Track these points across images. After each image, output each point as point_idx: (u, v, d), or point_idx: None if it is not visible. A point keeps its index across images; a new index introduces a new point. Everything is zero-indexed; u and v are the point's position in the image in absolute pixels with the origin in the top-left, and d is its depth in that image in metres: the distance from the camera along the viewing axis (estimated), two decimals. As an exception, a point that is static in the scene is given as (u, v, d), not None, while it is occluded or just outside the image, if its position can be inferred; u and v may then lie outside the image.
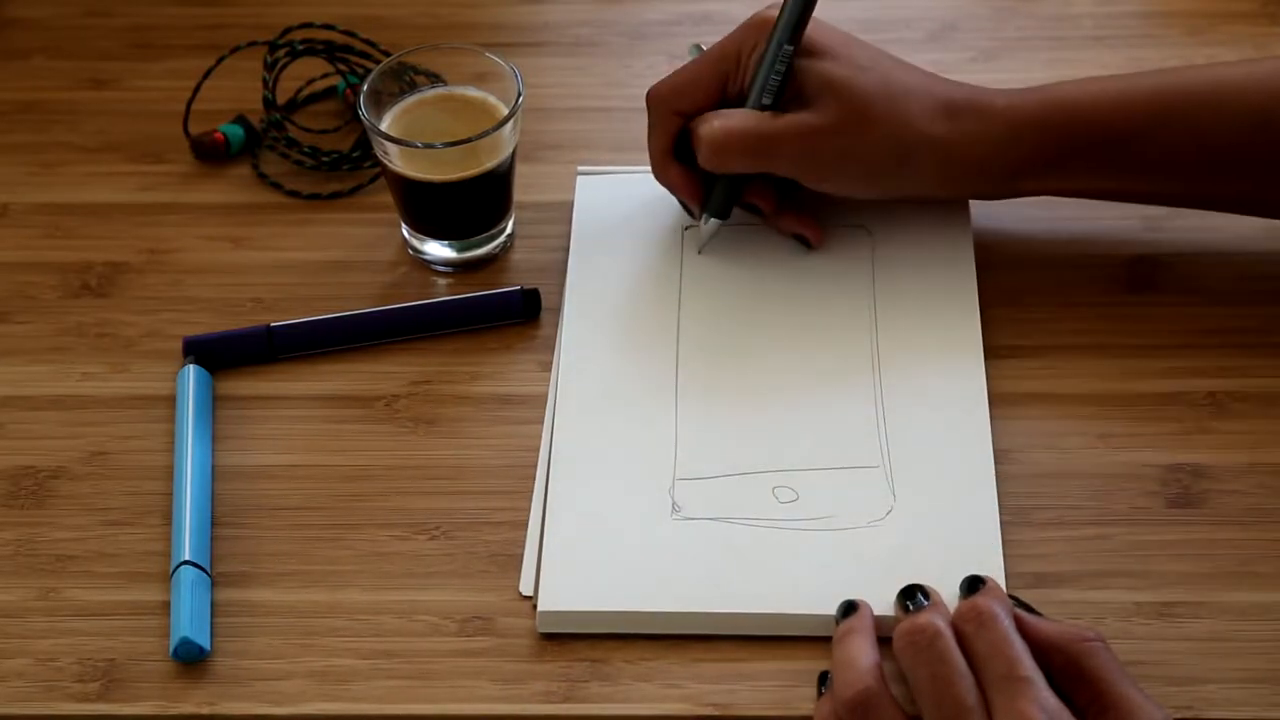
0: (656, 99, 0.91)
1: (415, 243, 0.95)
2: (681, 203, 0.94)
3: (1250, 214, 0.91)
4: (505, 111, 0.93)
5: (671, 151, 0.91)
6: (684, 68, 0.91)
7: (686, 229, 0.95)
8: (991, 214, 0.94)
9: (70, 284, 0.95)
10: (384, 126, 0.93)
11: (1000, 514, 0.82)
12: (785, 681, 0.78)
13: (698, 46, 0.93)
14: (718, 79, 0.90)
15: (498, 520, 0.84)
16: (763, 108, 0.88)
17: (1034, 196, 0.91)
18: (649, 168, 0.97)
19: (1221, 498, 0.84)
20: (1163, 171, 0.88)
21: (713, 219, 0.92)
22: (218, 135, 1.01)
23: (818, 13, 0.89)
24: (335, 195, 0.99)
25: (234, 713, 0.78)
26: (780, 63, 0.87)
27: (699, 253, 0.93)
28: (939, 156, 0.88)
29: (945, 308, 0.91)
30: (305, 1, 1.08)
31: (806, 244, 0.93)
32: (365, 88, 0.92)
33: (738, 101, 0.90)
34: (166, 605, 0.81)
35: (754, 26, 0.89)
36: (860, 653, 0.75)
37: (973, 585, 0.77)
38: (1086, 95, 0.88)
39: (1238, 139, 0.86)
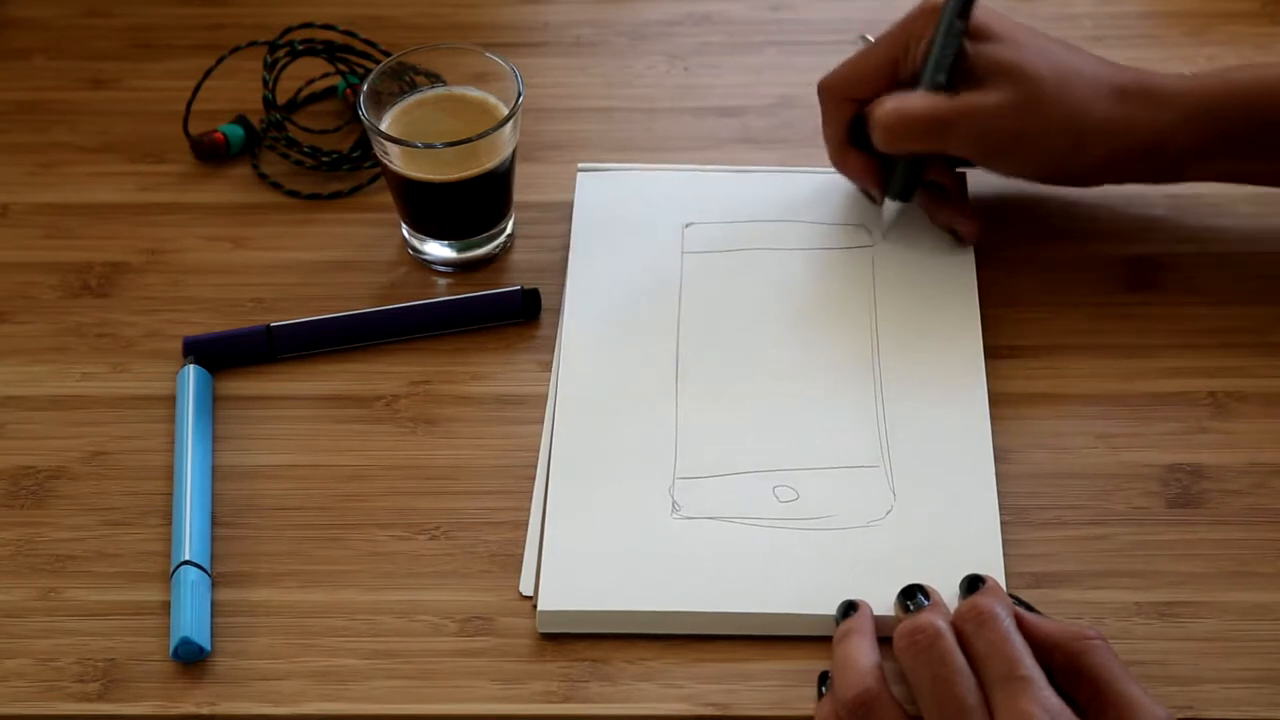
0: (827, 88, 0.92)
1: (415, 243, 0.95)
2: (863, 190, 0.94)
3: None
4: (505, 111, 0.92)
5: (848, 139, 0.92)
6: (853, 57, 0.92)
7: (687, 226, 0.95)
8: (992, 214, 0.94)
9: (70, 284, 0.95)
10: (384, 126, 0.93)
11: (1000, 514, 0.83)
12: (785, 681, 0.78)
13: (864, 38, 0.94)
14: (889, 65, 0.90)
15: (498, 520, 0.84)
16: (937, 86, 0.88)
17: (1202, 181, 0.91)
18: (649, 166, 0.97)
19: (1221, 498, 0.84)
20: None
21: (895, 201, 0.92)
22: (218, 135, 1.01)
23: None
24: (335, 195, 0.99)
25: (234, 713, 0.78)
26: (952, 39, 0.88)
27: (883, 237, 0.93)
28: (1110, 141, 0.88)
29: (945, 308, 0.91)
30: (305, 1, 1.08)
31: (960, 239, 0.93)
32: (365, 88, 0.92)
33: (910, 87, 0.89)
34: (166, 605, 0.81)
35: (923, 13, 0.89)
36: (860, 653, 0.75)
37: (973, 585, 0.77)
38: (1259, 80, 0.88)
39: None
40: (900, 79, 0.90)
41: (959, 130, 0.88)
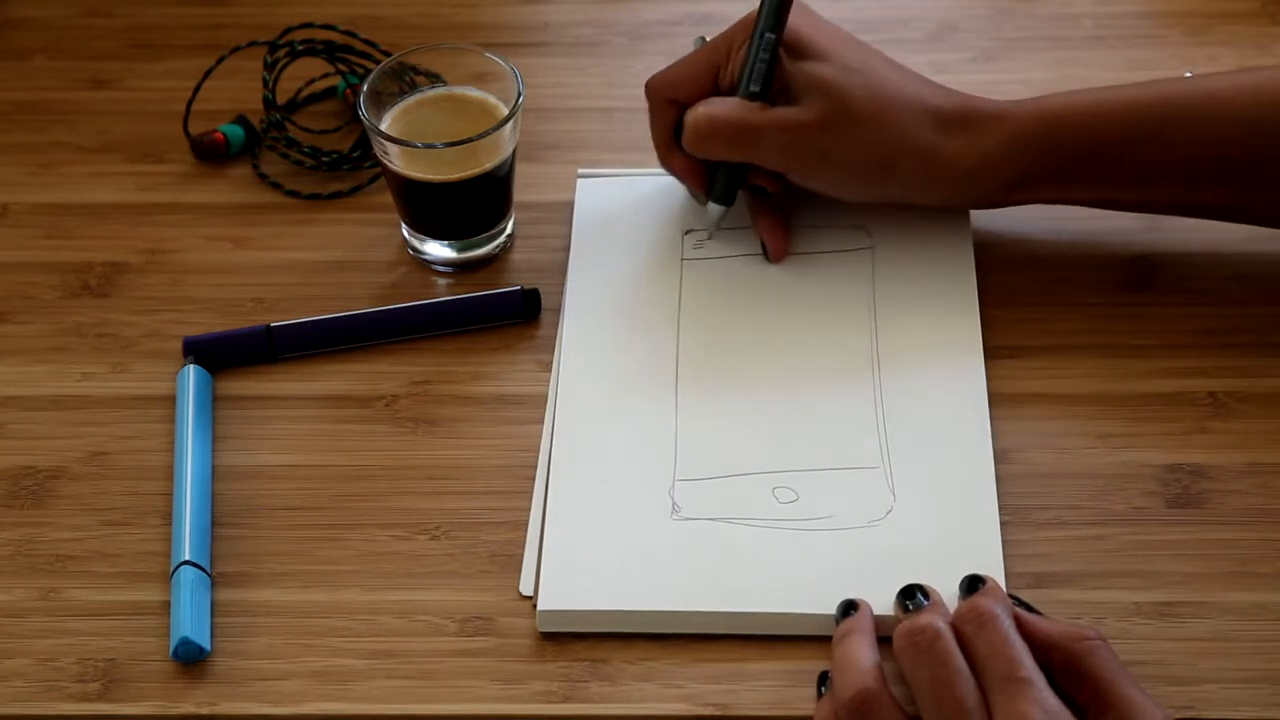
0: (653, 88, 0.92)
1: (415, 243, 0.95)
2: (689, 190, 0.94)
3: (1243, 221, 0.91)
4: (505, 111, 0.93)
5: (672, 139, 0.92)
6: (680, 60, 0.92)
7: (687, 233, 0.95)
8: (991, 214, 0.94)
9: (70, 284, 0.95)
10: (384, 126, 0.93)
11: (1000, 514, 0.83)
12: (785, 681, 0.78)
13: (702, 39, 0.94)
14: (709, 71, 0.91)
15: (498, 520, 0.84)
16: (751, 96, 0.89)
17: (1022, 205, 0.91)
18: (650, 169, 0.97)
19: (1221, 498, 0.84)
20: (1154, 180, 0.88)
21: (717, 204, 0.92)
22: (218, 135, 1.01)
23: (821, 10, 0.89)
24: (335, 195, 0.99)
25: (234, 713, 0.78)
26: (764, 50, 0.88)
27: (708, 238, 0.94)
28: (925, 164, 0.88)
29: (945, 308, 0.91)
30: (305, 1, 1.08)
31: (765, 255, 0.93)
32: (365, 88, 0.92)
33: (729, 94, 0.90)
34: (166, 605, 0.81)
35: (744, 24, 0.90)
36: (860, 653, 0.75)
37: (973, 585, 0.77)
38: (1078, 106, 0.88)
39: (1229, 148, 0.87)
40: (720, 86, 0.91)
41: (766, 141, 0.88)
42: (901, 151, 0.88)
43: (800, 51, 0.89)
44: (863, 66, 0.88)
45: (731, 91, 0.90)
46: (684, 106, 0.91)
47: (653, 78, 0.92)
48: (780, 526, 0.83)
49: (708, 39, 0.93)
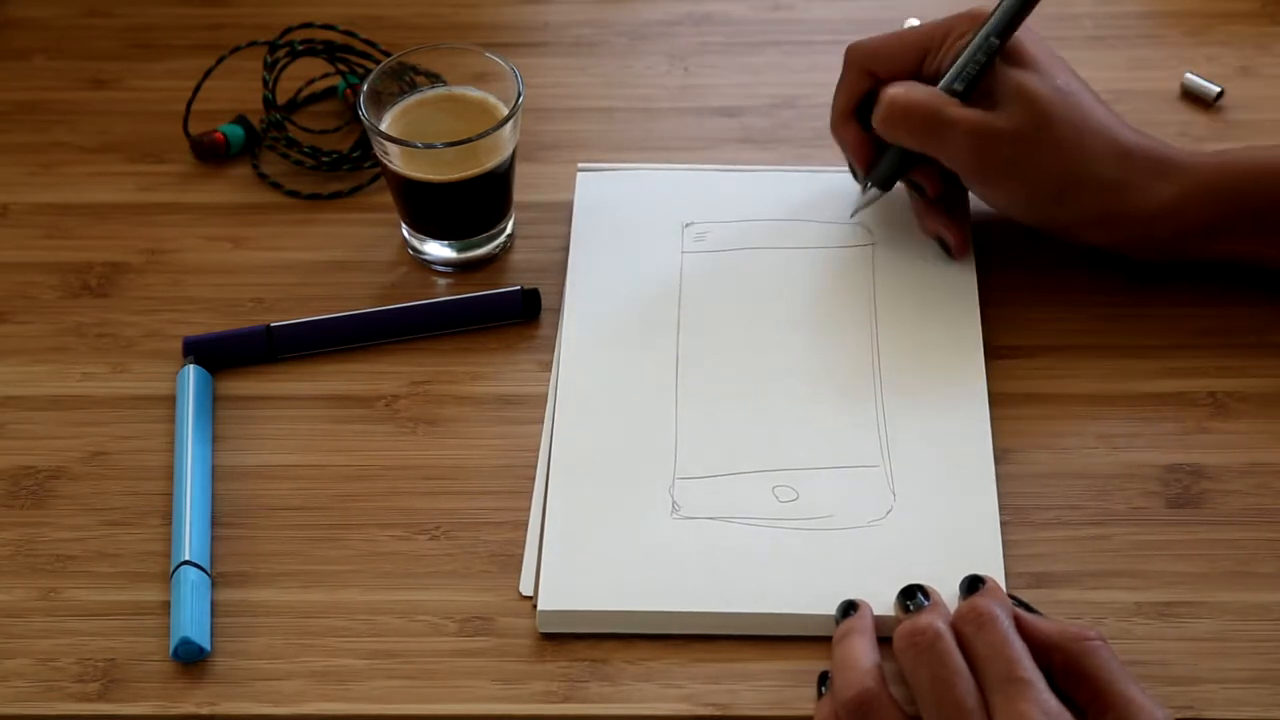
0: (854, 53, 0.91)
1: (415, 243, 0.95)
2: (850, 165, 0.93)
3: None
4: (505, 111, 0.93)
5: (853, 109, 0.91)
6: (890, 33, 0.91)
7: (687, 226, 0.95)
8: (991, 213, 0.94)
9: (70, 284, 0.95)
10: (384, 126, 0.93)
11: (1000, 514, 0.83)
12: (785, 681, 0.78)
13: (913, 20, 0.93)
14: (918, 52, 0.90)
15: (498, 520, 0.84)
16: (953, 92, 0.87)
17: (1200, 260, 0.90)
18: (649, 165, 0.97)
19: (1221, 498, 0.84)
20: None
21: (874, 188, 0.91)
22: (218, 135, 1.01)
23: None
24: (335, 195, 0.99)
25: (234, 713, 0.78)
26: (983, 54, 0.87)
27: (850, 217, 0.93)
28: (1104, 202, 0.87)
29: (945, 308, 0.91)
30: (305, 1, 1.08)
31: (948, 250, 0.92)
32: (365, 88, 0.92)
33: (931, 82, 0.89)
34: (166, 605, 0.81)
35: (968, 15, 0.89)
36: (860, 653, 0.75)
37: (972, 585, 0.77)
38: (1265, 161, 0.87)
39: None
40: (924, 71, 0.90)
41: (955, 138, 0.87)
42: (1083, 183, 0.86)
43: (1014, 58, 0.87)
44: (1070, 89, 0.87)
45: (933, 80, 0.88)
46: (879, 80, 0.90)
47: (856, 42, 0.91)
48: (780, 526, 0.83)
49: (917, 21, 0.92)
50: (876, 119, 0.89)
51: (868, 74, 0.90)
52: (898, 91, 0.88)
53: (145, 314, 0.94)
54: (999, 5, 0.88)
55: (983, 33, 0.87)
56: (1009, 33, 0.87)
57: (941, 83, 0.88)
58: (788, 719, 0.77)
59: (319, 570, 0.83)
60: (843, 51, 0.92)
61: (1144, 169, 0.87)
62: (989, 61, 0.87)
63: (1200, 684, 0.78)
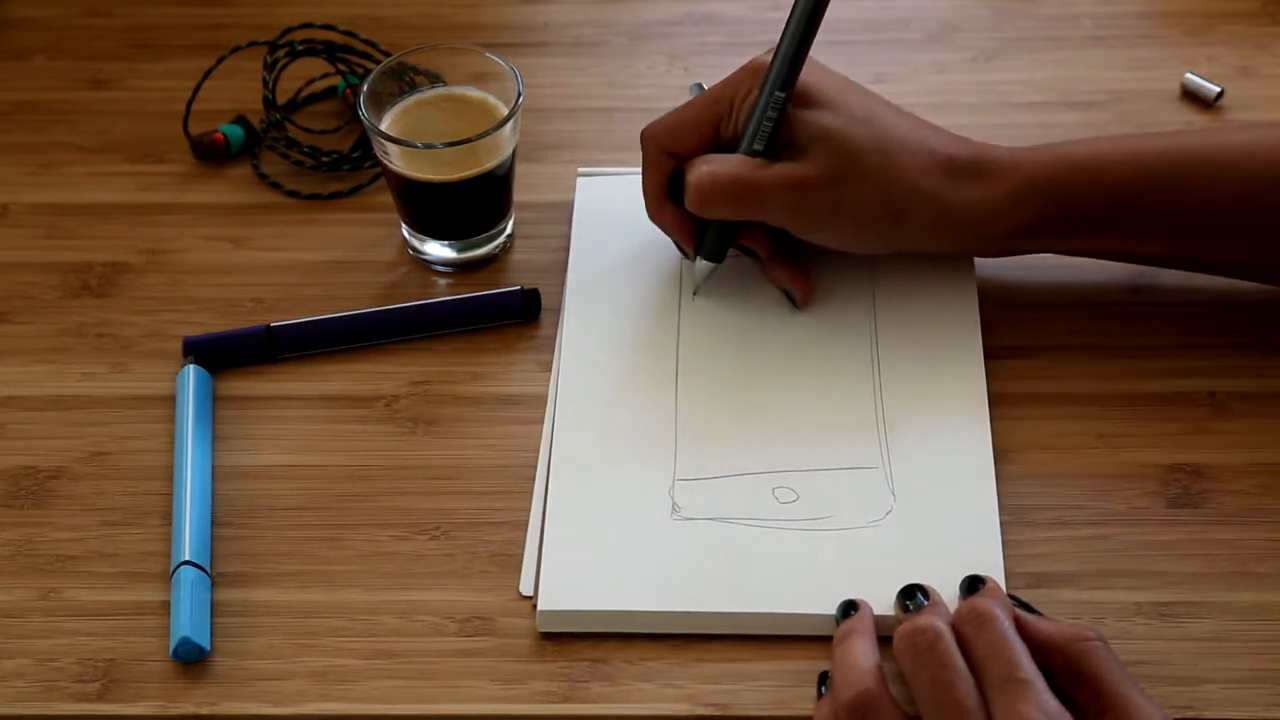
0: (649, 138, 0.89)
1: (415, 243, 0.95)
2: (676, 244, 0.92)
3: (1254, 279, 0.89)
4: (505, 111, 0.93)
5: (665, 191, 0.90)
6: (679, 108, 0.89)
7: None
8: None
9: (70, 284, 0.95)
10: (384, 126, 0.93)
11: (1000, 514, 0.83)
12: (785, 681, 0.78)
13: (699, 86, 0.92)
14: (711, 122, 0.88)
15: (498, 520, 0.84)
16: (754, 154, 0.86)
17: (1033, 254, 0.89)
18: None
19: (1221, 498, 0.84)
20: (1167, 235, 0.87)
21: (707, 261, 0.90)
22: (218, 135, 1.01)
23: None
24: (335, 195, 0.99)
25: (234, 713, 0.78)
26: (772, 109, 0.85)
27: (694, 295, 0.92)
28: (935, 214, 0.86)
29: (945, 307, 0.91)
30: (305, 1, 1.08)
31: (794, 301, 0.91)
32: (365, 88, 0.92)
33: (730, 146, 0.88)
34: (166, 605, 0.81)
35: (749, 72, 0.87)
36: (860, 653, 0.75)
37: (972, 585, 0.77)
38: (1092, 157, 0.86)
39: (1243, 204, 0.85)
40: (722, 138, 0.88)
41: (772, 200, 0.86)
42: (911, 201, 0.85)
43: (805, 100, 0.86)
44: (868, 115, 0.86)
45: (733, 145, 0.87)
46: (681, 158, 0.88)
47: (650, 126, 0.89)
48: (780, 526, 0.83)
49: (705, 86, 0.91)
50: (689, 201, 0.87)
51: (668, 155, 0.89)
52: (702, 171, 0.86)
53: (145, 314, 0.94)
54: (776, 56, 0.86)
55: (767, 88, 0.86)
56: (792, 82, 0.86)
57: (741, 147, 0.86)
58: (788, 719, 0.77)
59: (319, 570, 0.83)
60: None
61: (968, 172, 0.86)
62: (781, 114, 0.86)
63: (1200, 684, 0.78)
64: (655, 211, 0.91)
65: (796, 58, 0.86)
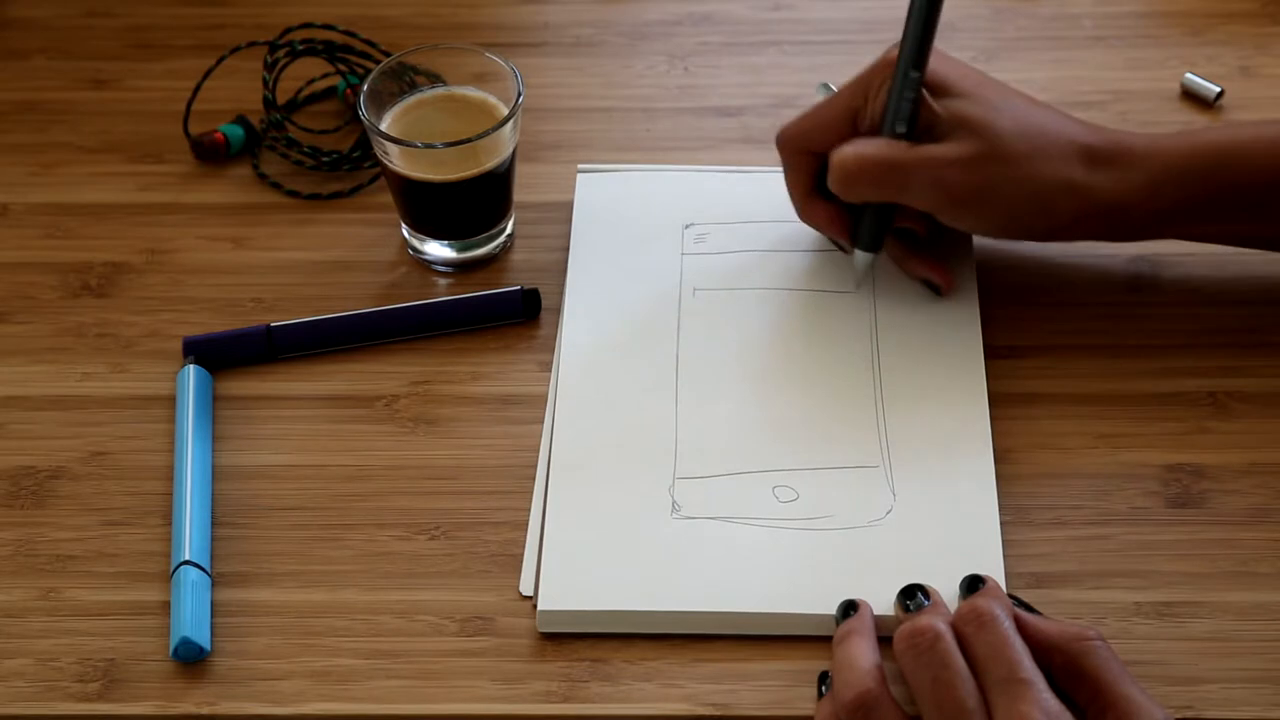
0: (787, 141, 0.90)
1: (415, 243, 0.95)
2: (833, 240, 0.92)
3: None
4: (505, 111, 0.93)
5: (813, 190, 0.90)
6: (813, 108, 0.89)
7: (687, 227, 0.95)
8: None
9: (70, 284, 0.95)
10: (384, 126, 0.93)
11: (1000, 514, 0.83)
12: (785, 681, 0.78)
13: (826, 86, 0.92)
14: (848, 115, 0.88)
15: (498, 520, 0.84)
16: (897, 136, 0.86)
17: (1176, 240, 0.89)
18: (648, 166, 0.97)
19: (1221, 498, 0.84)
20: None
21: (865, 252, 0.90)
22: (218, 135, 1.01)
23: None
24: (335, 195, 0.99)
25: (234, 713, 0.78)
26: (909, 90, 0.86)
27: (855, 288, 0.91)
28: (1075, 201, 0.86)
29: (945, 307, 0.91)
30: (305, 1, 1.08)
31: (936, 290, 0.91)
32: (365, 88, 0.92)
33: (871, 136, 0.87)
34: (166, 605, 0.81)
35: (882, 64, 0.87)
36: (860, 653, 0.75)
37: (973, 585, 0.77)
38: (1231, 141, 0.86)
39: None
40: (860, 131, 0.88)
41: (917, 179, 0.86)
42: (1053, 189, 0.86)
43: (942, 91, 0.87)
44: (1008, 104, 0.86)
45: (874, 134, 0.87)
46: (822, 156, 0.88)
47: (786, 129, 0.89)
48: (780, 526, 0.83)
49: (833, 86, 0.90)
50: (833, 183, 0.87)
51: (809, 155, 0.89)
52: (846, 152, 0.86)
53: (145, 314, 0.94)
54: (905, 37, 0.86)
55: (900, 69, 0.86)
56: (924, 60, 0.86)
57: (883, 130, 0.86)
58: (788, 719, 0.77)
59: (319, 570, 0.83)
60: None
61: (1107, 160, 0.86)
62: (918, 95, 0.86)
63: (1200, 684, 0.78)
64: (806, 211, 0.91)
65: (924, 36, 0.86)
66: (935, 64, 0.87)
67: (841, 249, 0.92)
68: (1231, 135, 0.87)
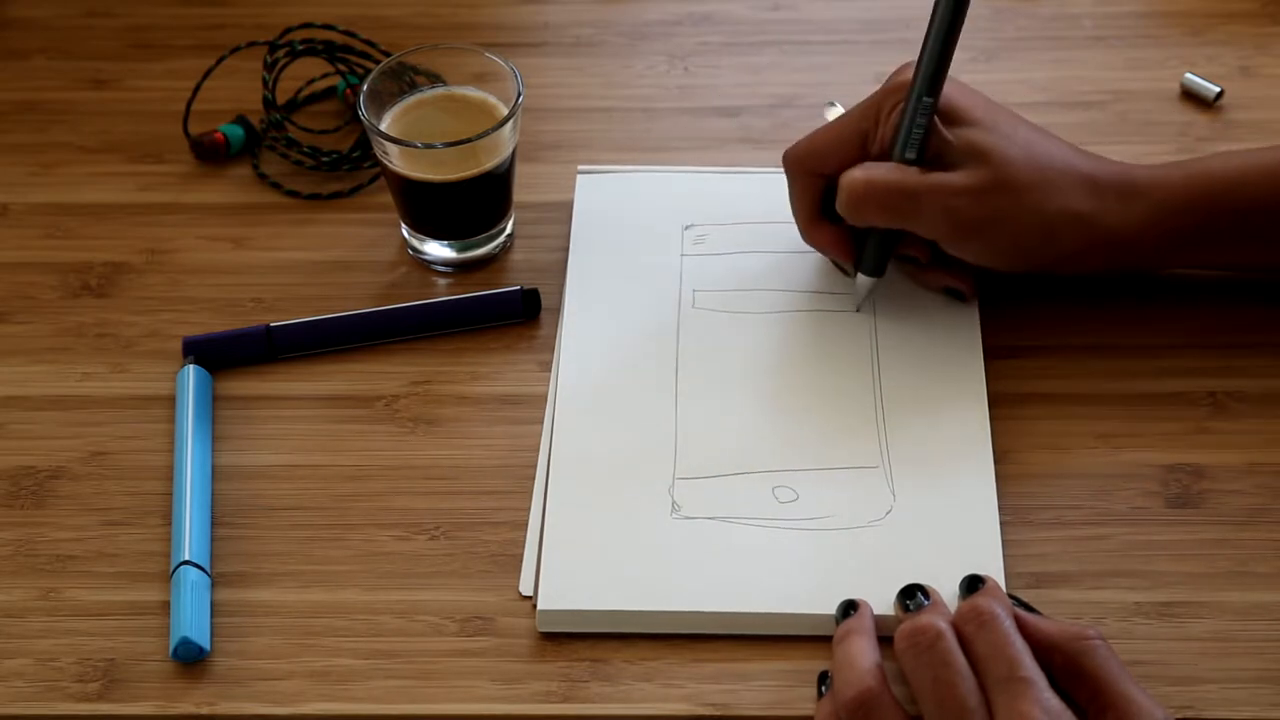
0: (794, 161, 0.89)
1: (415, 243, 0.95)
2: (835, 262, 0.92)
3: None
4: (505, 111, 0.93)
5: (818, 212, 0.89)
6: (822, 128, 0.89)
7: (687, 228, 0.95)
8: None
9: (70, 284, 0.95)
10: (384, 126, 0.93)
11: (1000, 514, 0.83)
12: (785, 681, 0.78)
13: (834, 105, 0.91)
14: (857, 138, 0.88)
15: (498, 520, 0.84)
16: (907, 162, 0.86)
17: (1181, 269, 0.89)
18: (648, 167, 0.97)
19: (1221, 498, 0.84)
20: None
21: (868, 275, 0.89)
22: (218, 135, 1.01)
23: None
24: (335, 195, 0.99)
25: (234, 713, 0.78)
26: (921, 116, 0.85)
27: (856, 310, 0.91)
28: (1082, 233, 0.86)
29: (945, 307, 0.91)
30: (305, 1, 1.08)
31: (960, 296, 0.91)
32: (365, 88, 0.92)
33: (880, 160, 0.87)
34: (166, 605, 0.81)
35: (895, 86, 0.87)
36: (861, 653, 0.75)
37: (973, 585, 0.77)
38: (1232, 170, 0.86)
39: None
40: (869, 155, 0.88)
41: (927, 207, 0.85)
42: (1061, 220, 0.85)
43: (954, 118, 0.86)
44: (1017, 133, 0.86)
45: (883, 158, 0.87)
46: (829, 178, 0.88)
47: (793, 149, 0.89)
48: (780, 526, 0.83)
49: (839, 105, 0.90)
50: (842, 206, 0.86)
51: (816, 176, 0.89)
52: (855, 176, 0.86)
53: (145, 314, 0.94)
54: (920, 62, 0.85)
55: (914, 94, 0.85)
56: (938, 86, 0.85)
57: (894, 155, 0.86)
58: (788, 719, 0.77)
59: (319, 570, 0.83)
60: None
61: (1113, 192, 0.86)
62: (930, 122, 0.85)
63: (1200, 684, 0.78)
64: (810, 233, 0.90)
65: (941, 62, 0.85)
66: (947, 89, 0.86)
67: (844, 271, 0.92)
68: (1226, 163, 0.87)
